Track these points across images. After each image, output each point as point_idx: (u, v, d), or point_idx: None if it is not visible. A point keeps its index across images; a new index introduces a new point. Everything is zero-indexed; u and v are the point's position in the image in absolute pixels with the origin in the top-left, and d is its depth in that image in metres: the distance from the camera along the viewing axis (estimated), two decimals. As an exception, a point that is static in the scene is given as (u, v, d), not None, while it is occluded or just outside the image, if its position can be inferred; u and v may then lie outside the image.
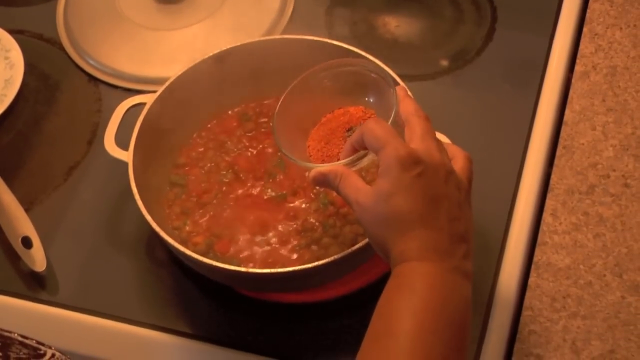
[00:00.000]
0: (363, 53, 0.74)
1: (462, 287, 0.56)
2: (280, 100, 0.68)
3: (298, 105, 0.67)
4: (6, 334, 0.48)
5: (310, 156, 0.67)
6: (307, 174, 0.69)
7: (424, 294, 0.54)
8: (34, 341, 0.50)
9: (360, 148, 0.60)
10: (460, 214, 0.57)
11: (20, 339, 0.49)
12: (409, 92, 0.63)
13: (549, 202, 0.73)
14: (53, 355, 0.49)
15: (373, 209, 0.56)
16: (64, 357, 0.50)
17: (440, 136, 0.69)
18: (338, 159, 0.63)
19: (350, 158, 0.61)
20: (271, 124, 0.77)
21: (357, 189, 0.58)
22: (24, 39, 0.92)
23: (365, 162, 0.62)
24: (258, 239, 0.72)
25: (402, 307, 0.54)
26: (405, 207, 0.55)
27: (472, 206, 0.59)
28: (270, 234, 0.72)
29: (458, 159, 0.60)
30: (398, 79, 0.72)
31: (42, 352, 0.49)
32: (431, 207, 0.55)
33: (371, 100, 0.67)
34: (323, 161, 0.65)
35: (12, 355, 0.47)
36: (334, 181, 0.60)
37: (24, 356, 0.48)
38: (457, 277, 0.55)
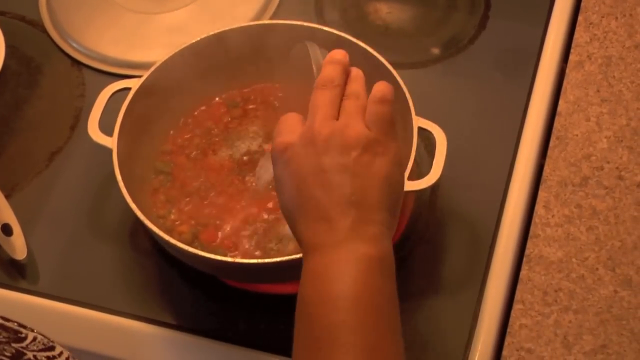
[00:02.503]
0: (353, 39, 0.73)
1: (356, 254, 0.51)
2: None
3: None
4: None
5: None
6: None
7: (317, 285, 0.51)
8: (16, 324, 0.49)
9: None
10: (343, 179, 0.52)
11: (0, 321, 0.48)
12: (337, 56, 0.57)
13: (541, 194, 0.72)
14: (34, 339, 0.48)
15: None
16: (46, 340, 0.48)
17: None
18: None
19: None
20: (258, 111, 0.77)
21: None
22: (6, 20, 0.90)
23: None
24: (245, 228, 0.71)
25: (308, 303, 0.51)
26: (283, 201, 0.55)
27: (388, 149, 0.54)
28: (257, 224, 0.71)
29: (368, 107, 0.55)
30: (390, 67, 0.71)
31: (23, 335, 0.48)
32: (305, 189, 0.52)
33: None
34: None
35: None
36: None
37: (4, 340, 0.47)
38: (349, 248, 0.51)
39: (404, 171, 0.56)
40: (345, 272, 0.50)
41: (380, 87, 0.56)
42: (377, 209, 0.52)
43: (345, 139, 0.53)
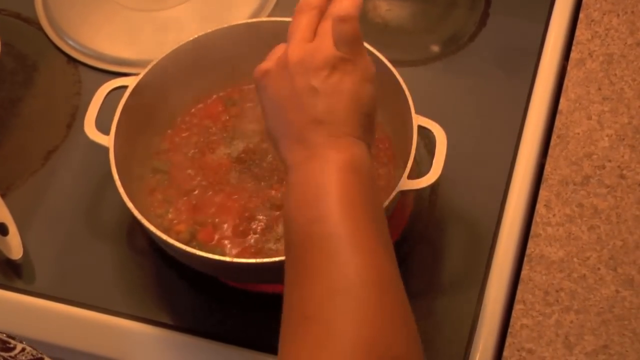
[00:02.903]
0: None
1: (328, 160, 0.53)
2: None
3: None
4: None
5: None
6: None
7: (297, 195, 0.53)
8: (4, 335, 0.49)
9: None
10: (313, 99, 0.54)
11: None
12: None
13: (542, 193, 0.72)
14: (23, 350, 0.48)
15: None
16: (35, 352, 0.48)
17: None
18: None
19: None
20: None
21: None
22: (1, 17, 0.90)
23: None
24: (243, 227, 0.70)
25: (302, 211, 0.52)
26: (266, 126, 0.57)
27: (357, 67, 0.55)
28: (256, 223, 0.71)
29: (332, 26, 0.56)
30: (389, 64, 0.70)
31: (11, 345, 0.47)
32: (282, 113, 0.55)
33: None
34: None
35: None
36: None
37: None
38: (321, 157, 0.53)
39: (374, 86, 0.57)
40: (321, 176, 0.52)
41: (343, 4, 0.56)
42: (347, 124, 0.54)
43: (314, 61, 0.55)
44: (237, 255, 0.69)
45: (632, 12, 0.81)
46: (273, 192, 0.72)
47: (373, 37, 0.74)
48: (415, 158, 0.66)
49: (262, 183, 0.72)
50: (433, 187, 0.69)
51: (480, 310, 0.68)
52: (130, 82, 0.72)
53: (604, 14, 0.81)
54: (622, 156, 0.73)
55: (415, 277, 0.71)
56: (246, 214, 0.71)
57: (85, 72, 0.85)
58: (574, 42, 0.80)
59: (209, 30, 0.75)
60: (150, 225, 0.65)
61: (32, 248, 0.75)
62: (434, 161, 0.66)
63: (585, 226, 0.70)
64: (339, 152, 0.53)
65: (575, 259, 0.68)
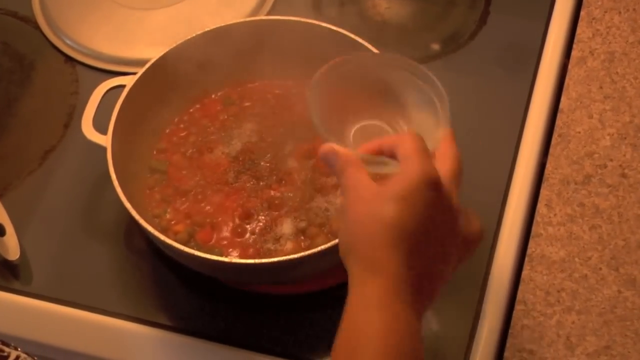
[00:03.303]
0: (351, 35, 0.72)
1: (416, 326, 0.52)
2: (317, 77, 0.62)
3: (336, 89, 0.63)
4: None
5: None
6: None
7: (383, 334, 0.50)
8: None
9: (386, 153, 0.56)
10: (444, 251, 0.53)
11: None
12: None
13: (543, 193, 0.72)
14: (18, 357, 0.47)
15: (370, 202, 0.52)
16: (29, 359, 0.48)
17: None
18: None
19: (371, 156, 0.57)
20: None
21: (359, 179, 0.54)
22: (-2, 16, 0.90)
23: (382, 169, 0.57)
24: (241, 228, 0.70)
25: (361, 339, 0.51)
26: (405, 220, 0.51)
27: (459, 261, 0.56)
28: (254, 223, 0.70)
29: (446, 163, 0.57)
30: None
31: (5, 354, 0.47)
32: (424, 236, 0.52)
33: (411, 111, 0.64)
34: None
35: None
36: (340, 164, 0.55)
37: None
38: (414, 317, 0.51)
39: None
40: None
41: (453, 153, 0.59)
42: (430, 293, 0.53)
43: (463, 230, 0.55)
44: (235, 256, 0.68)
45: (634, 9, 0.81)
46: (272, 192, 0.71)
47: (372, 35, 0.74)
48: (415, 157, 0.65)
49: (261, 183, 0.72)
50: (433, 186, 0.69)
51: (480, 310, 0.68)
52: (128, 82, 0.72)
53: (605, 12, 0.81)
54: (624, 155, 0.73)
55: (415, 278, 0.71)
56: (245, 214, 0.71)
57: (83, 71, 0.85)
58: (575, 40, 0.80)
59: (207, 29, 0.74)
60: (148, 226, 0.65)
61: (30, 249, 0.74)
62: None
63: (587, 226, 0.69)
64: (412, 313, 0.51)
65: (576, 259, 0.68)
